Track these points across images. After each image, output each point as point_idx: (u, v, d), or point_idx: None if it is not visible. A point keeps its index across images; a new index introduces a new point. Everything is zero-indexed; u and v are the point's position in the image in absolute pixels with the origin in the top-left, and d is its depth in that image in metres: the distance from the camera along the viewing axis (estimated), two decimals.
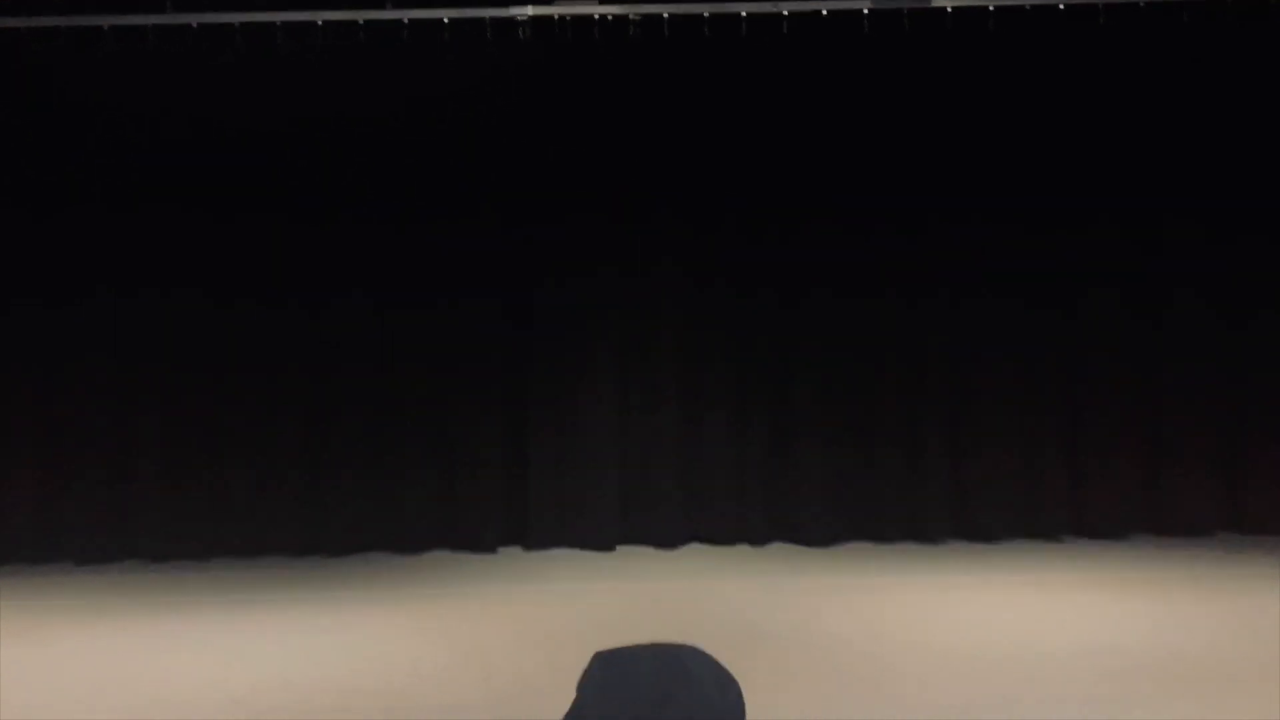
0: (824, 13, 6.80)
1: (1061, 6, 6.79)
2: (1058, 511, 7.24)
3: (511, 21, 6.77)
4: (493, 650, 4.67)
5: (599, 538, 6.92)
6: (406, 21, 6.67)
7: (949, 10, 6.83)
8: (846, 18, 6.85)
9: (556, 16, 6.74)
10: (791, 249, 7.14)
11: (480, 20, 6.73)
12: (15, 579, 6.37)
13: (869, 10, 6.78)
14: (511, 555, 6.84)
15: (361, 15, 6.66)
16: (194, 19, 6.60)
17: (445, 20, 6.70)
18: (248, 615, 5.40)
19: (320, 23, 6.65)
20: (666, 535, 7.05)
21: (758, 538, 7.14)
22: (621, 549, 6.90)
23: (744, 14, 6.80)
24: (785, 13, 6.78)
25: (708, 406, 7.20)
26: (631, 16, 6.79)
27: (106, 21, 6.55)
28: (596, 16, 6.76)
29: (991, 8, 6.80)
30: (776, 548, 7.07)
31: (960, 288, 7.24)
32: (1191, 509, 7.27)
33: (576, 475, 7.05)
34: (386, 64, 6.79)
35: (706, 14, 6.79)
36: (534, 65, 6.87)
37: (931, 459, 7.21)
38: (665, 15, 6.77)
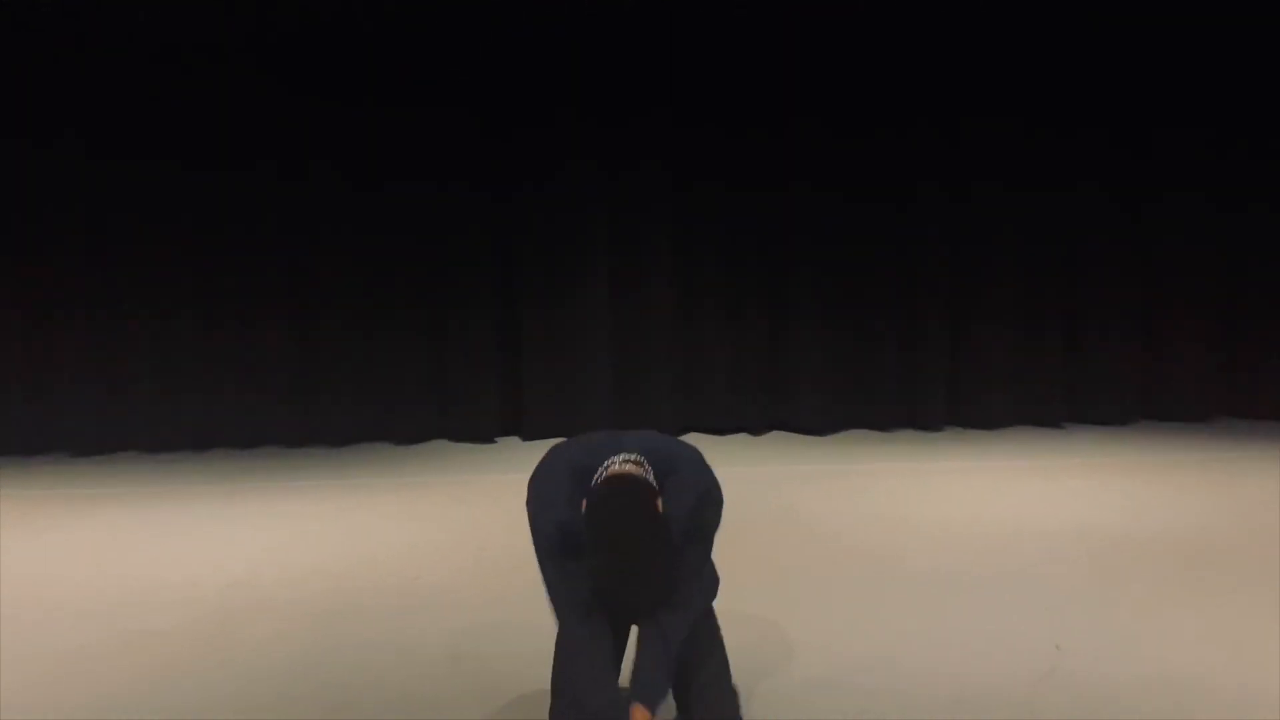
0: None
1: None
2: (1057, 398, 7.23)
3: None
4: (488, 530, 4.67)
5: (595, 428, 6.87)
6: None
7: None
8: None
9: None
10: (783, 140, 6.97)
11: None
12: (10, 469, 6.34)
13: None
14: (509, 445, 6.86)
15: None
16: None
17: None
18: (245, 501, 5.38)
19: None
20: (663, 425, 7.02)
21: (756, 427, 7.14)
22: None
23: None
24: None
25: (702, 298, 7.11)
26: None
27: None
28: None
29: None
30: (775, 436, 7.07)
31: (958, 174, 7.10)
32: (1191, 394, 7.27)
33: (572, 367, 7.00)
34: None
35: None
36: None
37: (930, 347, 7.17)
38: None
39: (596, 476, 2.46)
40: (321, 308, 6.90)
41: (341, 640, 3.41)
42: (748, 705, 2.79)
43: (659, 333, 7.05)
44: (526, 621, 3.17)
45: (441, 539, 4.61)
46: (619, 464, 2.45)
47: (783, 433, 7.11)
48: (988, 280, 7.16)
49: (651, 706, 2.45)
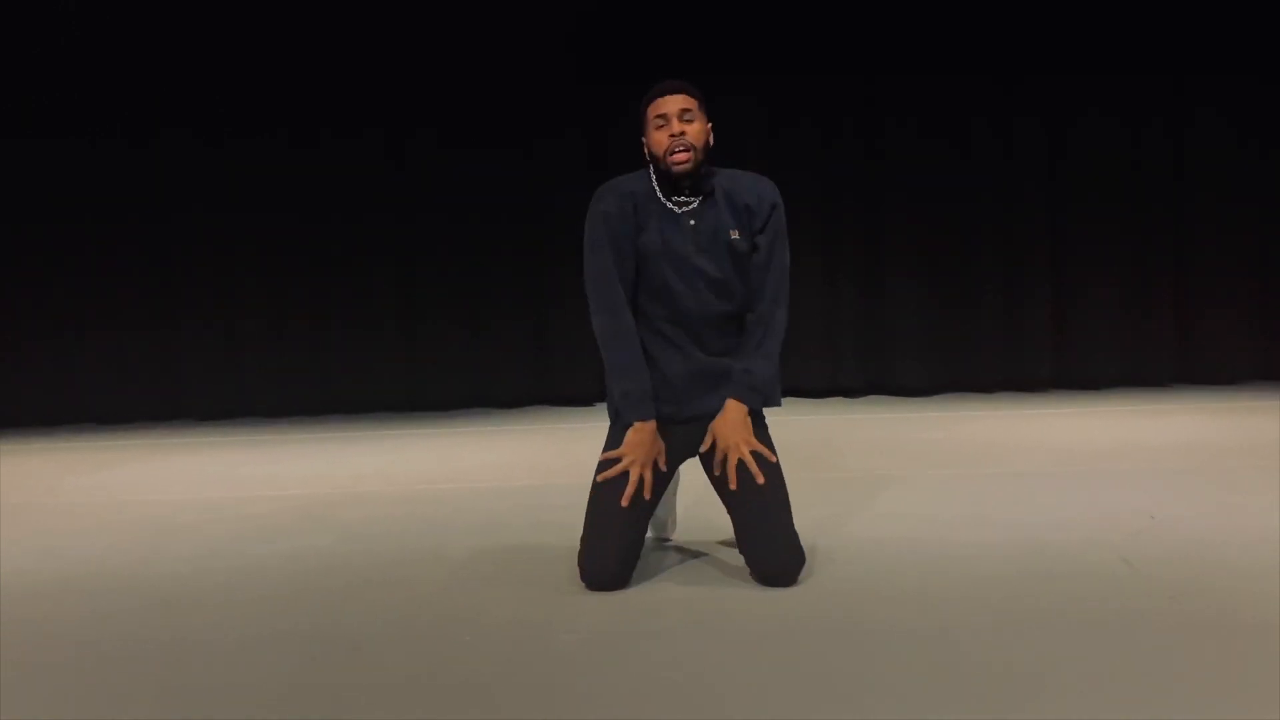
0: None
1: None
2: (1164, 358, 7.03)
3: None
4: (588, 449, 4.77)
5: None
6: None
7: None
8: None
9: None
10: (875, 89, 6.95)
11: None
12: (142, 432, 6.70)
13: None
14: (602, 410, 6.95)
15: None
16: None
17: None
18: (358, 445, 5.63)
19: None
20: None
21: (853, 390, 7.10)
22: None
23: None
24: None
25: (795, 259, 7.07)
26: None
27: None
28: None
29: None
30: (872, 399, 7.02)
31: (1060, 130, 7.00)
32: None
33: None
34: None
35: None
36: None
37: (1034, 307, 7.03)
38: None
39: None
40: (423, 280, 7.12)
41: (441, 520, 3.54)
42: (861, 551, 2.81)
43: None
44: None
45: (531, 458, 4.73)
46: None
47: (880, 396, 7.06)
48: (1092, 237, 7.01)
49: (743, 393, 2.56)
